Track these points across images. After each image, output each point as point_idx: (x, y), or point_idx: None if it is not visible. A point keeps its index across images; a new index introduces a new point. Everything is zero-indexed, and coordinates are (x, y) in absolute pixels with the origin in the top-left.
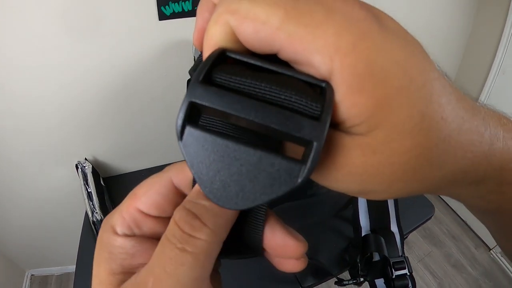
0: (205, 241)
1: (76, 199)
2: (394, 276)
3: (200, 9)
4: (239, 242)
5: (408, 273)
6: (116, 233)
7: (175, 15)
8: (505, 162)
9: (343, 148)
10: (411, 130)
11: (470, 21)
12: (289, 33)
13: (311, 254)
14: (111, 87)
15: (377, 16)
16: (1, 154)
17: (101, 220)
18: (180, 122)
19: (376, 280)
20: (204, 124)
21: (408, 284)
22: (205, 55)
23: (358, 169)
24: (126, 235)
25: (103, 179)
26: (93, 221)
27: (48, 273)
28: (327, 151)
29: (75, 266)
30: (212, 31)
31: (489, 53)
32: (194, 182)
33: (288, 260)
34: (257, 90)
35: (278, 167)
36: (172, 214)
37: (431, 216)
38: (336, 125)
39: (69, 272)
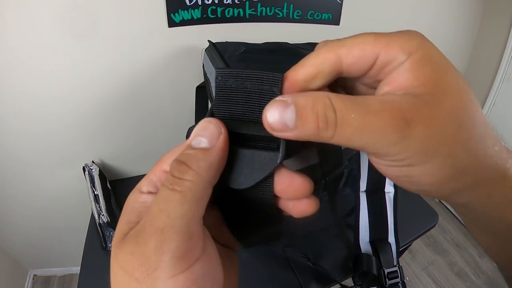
0: (191, 182)
1: (82, 201)
2: (387, 285)
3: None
4: (254, 211)
5: (401, 281)
6: (141, 191)
7: (184, 23)
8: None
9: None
10: (458, 91)
11: (475, 29)
12: (383, 43)
13: (315, 260)
14: (119, 91)
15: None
16: (11, 155)
17: (107, 223)
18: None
19: None
20: None
21: None
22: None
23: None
24: (150, 192)
25: (109, 182)
26: (99, 223)
27: (50, 274)
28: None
29: (78, 267)
30: (323, 56)
31: (494, 61)
32: None
33: (301, 201)
34: (247, 118)
35: (264, 156)
36: None
37: (435, 224)
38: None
39: (72, 274)
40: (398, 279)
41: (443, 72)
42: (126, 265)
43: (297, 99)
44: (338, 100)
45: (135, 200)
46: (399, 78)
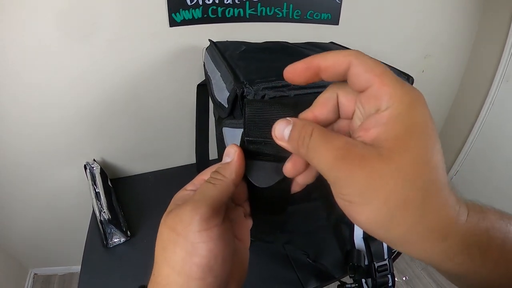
0: (220, 180)
1: (83, 199)
2: (377, 277)
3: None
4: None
5: (390, 273)
6: (186, 189)
7: (185, 22)
8: (470, 229)
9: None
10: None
11: (474, 29)
12: (382, 75)
13: (315, 257)
14: (121, 90)
15: None
16: (13, 153)
17: (109, 220)
18: None
19: (362, 280)
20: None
21: (388, 281)
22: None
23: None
24: (192, 190)
25: (110, 180)
26: (101, 220)
27: (51, 273)
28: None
29: (78, 266)
30: (339, 57)
31: (493, 61)
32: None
33: (303, 174)
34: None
35: (278, 168)
36: None
37: None
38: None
39: (72, 273)
40: (388, 272)
41: (412, 135)
42: (171, 223)
43: (295, 122)
44: (317, 131)
45: (182, 193)
46: (373, 129)
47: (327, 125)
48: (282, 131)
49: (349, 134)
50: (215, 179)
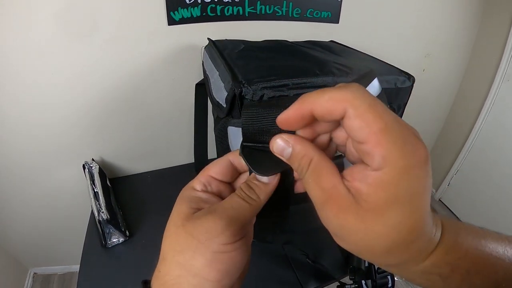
0: (255, 200)
1: (82, 199)
2: (377, 278)
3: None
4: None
5: (389, 274)
6: (195, 189)
7: (184, 21)
8: (435, 261)
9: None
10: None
11: (475, 29)
12: (383, 132)
13: (314, 257)
14: (119, 90)
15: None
16: (12, 153)
17: (107, 220)
18: (240, 144)
19: (362, 281)
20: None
21: (388, 282)
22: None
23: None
24: (202, 190)
25: (109, 180)
26: (99, 220)
27: (51, 272)
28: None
29: (78, 265)
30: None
31: (494, 61)
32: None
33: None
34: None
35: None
36: (229, 180)
37: None
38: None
39: (72, 272)
40: (387, 273)
41: (393, 207)
42: (193, 231)
43: (294, 145)
44: (313, 165)
45: (191, 194)
46: (358, 183)
47: (327, 132)
48: (280, 150)
49: (345, 144)
50: (251, 199)
